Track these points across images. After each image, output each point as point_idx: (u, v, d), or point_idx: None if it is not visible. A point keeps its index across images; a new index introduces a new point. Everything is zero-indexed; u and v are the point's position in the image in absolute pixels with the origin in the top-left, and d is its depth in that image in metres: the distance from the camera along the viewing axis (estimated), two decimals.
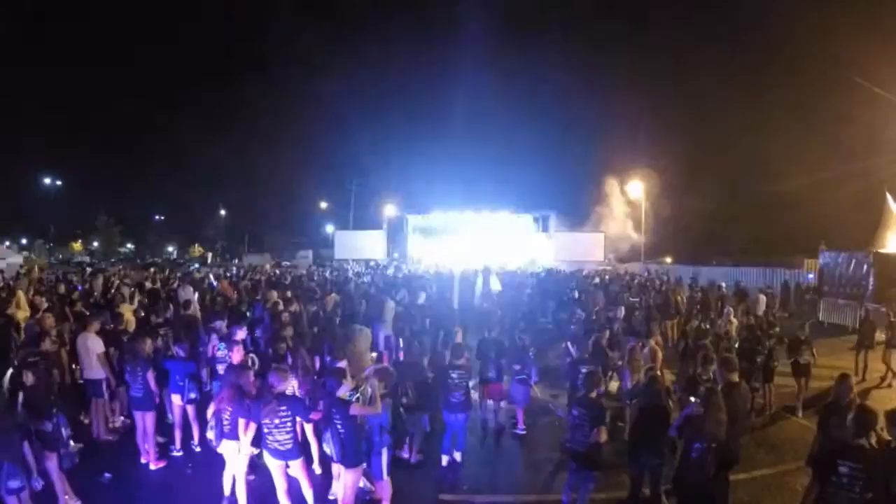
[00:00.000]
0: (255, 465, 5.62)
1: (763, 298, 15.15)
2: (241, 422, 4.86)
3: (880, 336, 10.60)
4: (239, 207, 64.60)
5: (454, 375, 6.11)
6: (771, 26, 49.01)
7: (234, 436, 4.90)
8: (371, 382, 4.64)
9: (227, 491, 5.07)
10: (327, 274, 21.37)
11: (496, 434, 7.09)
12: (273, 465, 4.77)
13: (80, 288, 14.13)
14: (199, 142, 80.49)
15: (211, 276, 17.77)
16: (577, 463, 4.76)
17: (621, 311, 10.52)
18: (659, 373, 5.59)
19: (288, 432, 4.62)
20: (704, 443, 4.20)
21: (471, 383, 6.44)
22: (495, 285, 16.01)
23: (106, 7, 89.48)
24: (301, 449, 4.69)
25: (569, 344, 8.20)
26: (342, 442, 4.44)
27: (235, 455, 4.97)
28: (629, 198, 37.69)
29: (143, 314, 9.31)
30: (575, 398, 5.11)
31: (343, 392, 4.47)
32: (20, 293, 9.91)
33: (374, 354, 7.03)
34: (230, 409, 4.89)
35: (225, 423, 4.92)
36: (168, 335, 7.55)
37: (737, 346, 8.16)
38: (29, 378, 4.89)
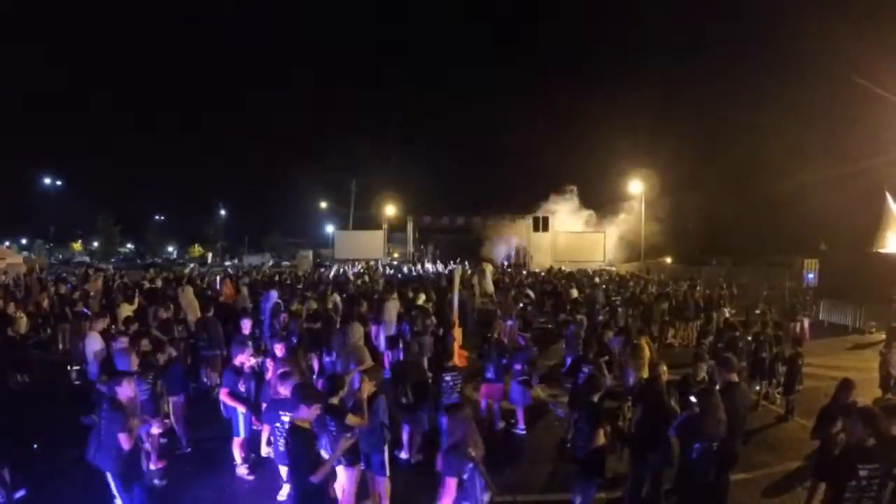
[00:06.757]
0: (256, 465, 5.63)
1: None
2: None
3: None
4: (239, 207, 64.73)
5: (447, 378, 6.06)
6: (771, 27, 49.06)
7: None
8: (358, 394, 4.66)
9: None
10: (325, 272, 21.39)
11: (496, 434, 7.09)
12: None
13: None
14: (200, 142, 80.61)
15: (217, 278, 17.69)
16: (578, 470, 4.71)
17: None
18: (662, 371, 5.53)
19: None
20: (705, 443, 4.18)
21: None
22: (490, 286, 16.09)
23: (106, 6, 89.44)
24: None
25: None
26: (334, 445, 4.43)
27: None
28: (630, 198, 37.63)
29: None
30: (575, 400, 5.06)
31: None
32: None
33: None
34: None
35: None
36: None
37: None
38: None
